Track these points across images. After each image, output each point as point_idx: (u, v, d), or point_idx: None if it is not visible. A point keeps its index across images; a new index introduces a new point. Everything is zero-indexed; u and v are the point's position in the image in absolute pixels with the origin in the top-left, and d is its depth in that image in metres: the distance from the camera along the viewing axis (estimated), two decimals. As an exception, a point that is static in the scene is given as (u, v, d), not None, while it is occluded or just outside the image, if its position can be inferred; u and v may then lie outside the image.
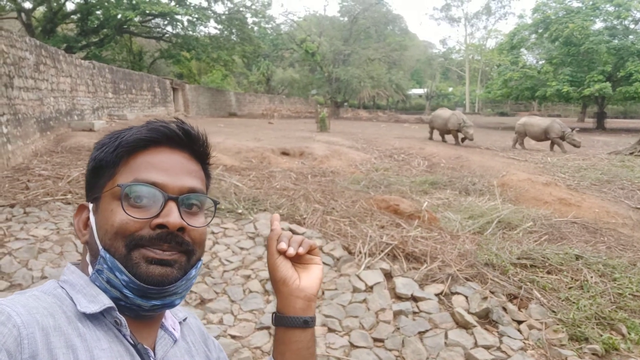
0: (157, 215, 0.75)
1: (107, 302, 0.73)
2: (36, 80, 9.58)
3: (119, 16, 22.63)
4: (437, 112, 15.10)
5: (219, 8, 28.56)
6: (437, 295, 4.01)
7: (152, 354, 0.78)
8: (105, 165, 0.79)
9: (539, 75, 30.90)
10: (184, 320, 0.91)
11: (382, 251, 4.47)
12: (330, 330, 3.55)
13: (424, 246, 4.72)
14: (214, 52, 27.94)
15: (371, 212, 5.59)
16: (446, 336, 3.56)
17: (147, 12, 23.69)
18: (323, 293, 3.98)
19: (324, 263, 4.30)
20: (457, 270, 4.32)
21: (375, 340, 3.48)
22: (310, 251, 0.91)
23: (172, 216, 0.75)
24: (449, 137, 14.69)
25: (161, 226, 0.75)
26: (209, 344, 0.94)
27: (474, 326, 3.66)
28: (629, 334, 3.70)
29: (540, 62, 33.63)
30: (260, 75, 45.20)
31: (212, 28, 30.62)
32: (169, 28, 28.83)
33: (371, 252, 4.46)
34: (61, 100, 11.23)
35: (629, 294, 4.24)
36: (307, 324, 0.88)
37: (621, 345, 3.56)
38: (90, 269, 0.78)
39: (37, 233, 4.59)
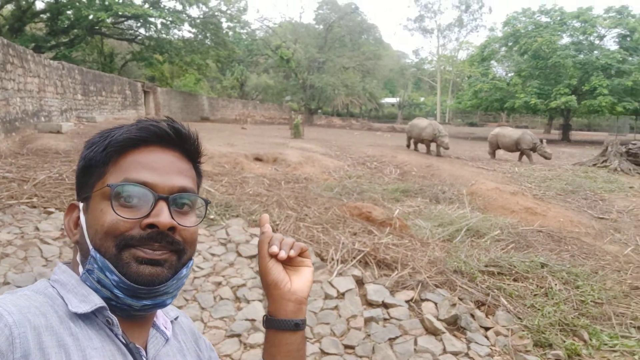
0: (148, 215, 0.75)
1: (98, 302, 0.73)
2: (2, 79, 9.31)
3: (91, 17, 22.17)
4: (414, 122, 15.11)
5: (194, 12, 28.45)
6: (407, 301, 4.06)
7: (144, 353, 0.78)
8: (95, 165, 0.79)
9: (508, 87, 31.73)
10: (176, 319, 0.91)
11: (354, 258, 4.50)
12: (301, 337, 3.55)
13: (395, 253, 4.77)
14: (187, 55, 27.66)
15: (344, 219, 5.63)
16: (416, 342, 3.61)
17: (120, 13, 23.34)
18: (295, 300, 3.98)
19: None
20: (427, 277, 4.39)
21: (346, 347, 3.50)
22: (301, 253, 0.91)
23: (163, 216, 0.75)
24: (424, 147, 14.70)
25: (152, 226, 0.74)
26: (200, 343, 0.94)
27: (443, 332, 3.72)
28: (591, 340, 3.83)
29: (510, 75, 34.55)
30: (234, 80, 44.97)
31: (186, 32, 30.31)
32: (142, 30, 28.45)
33: (343, 259, 4.49)
34: (28, 100, 10.93)
35: (591, 301, 4.39)
36: (298, 326, 0.89)
37: (583, 351, 3.68)
38: (80, 269, 0.78)
39: (0, 237, 4.45)
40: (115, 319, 0.74)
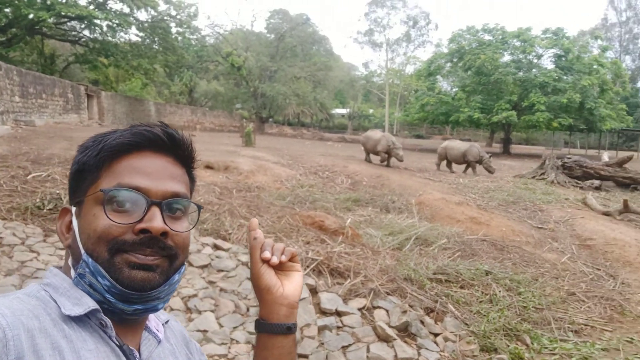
0: (140, 220, 0.75)
1: (91, 305, 0.73)
2: None
3: (31, 16, 21.16)
4: (368, 134, 15.03)
5: (142, 15, 27.63)
6: (360, 309, 4.12)
7: (137, 354, 0.78)
8: (88, 169, 0.78)
9: (453, 101, 32.96)
10: (166, 322, 0.91)
11: (307, 267, 4.52)
12: (254, 347, 3.51)
13: (347, 262, 4.83)
14: (134, 59, 26.90)
15: (297, 228, 5.64)
16: (368, 350, 3.66)
17: (63, 13, 22.42)
18: (248, 310, 3.94)
19: (249, 279, 4.28)
20: (379, 284, 4.47)
21: (300, 356, 3.50)
22: (291, 258, 0.93)
23: (155, 221, 0.75)
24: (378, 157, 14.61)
25: (144, 231, 0.74)
26: (191, 347, 0.95)
27: (395, 339, 3.80)
28: (532, 343, 4.02)
29: (454, 89, 35.85)
30: (183, 86, 44.06)
31: (133, 35, 29.48)
32: (87, 32, 27.43)
33: (297, 268, 4.49)
34: (-40, 101, 10.27)
35: (532, 307, 4.62)
36: (290, 330, 0.90)
37: (525, 354, 3.86)
38: (72, 273, 0.77)
39: None
40: (108, 321, 0.74)
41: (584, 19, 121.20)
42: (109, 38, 27.04)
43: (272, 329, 0.89)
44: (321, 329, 3.80)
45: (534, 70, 31.80)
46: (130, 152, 0.79)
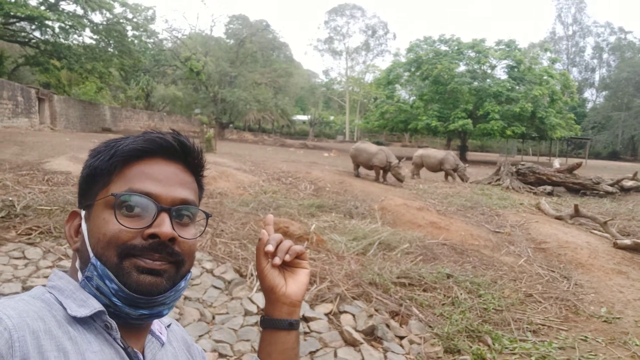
0: (150, 226, 0.76)
1: (97, 306, 0.73)
2: None
3: (-24, 15, 20.20)
4: (360, 146, 13.26)
5: (97, 17, 26.82)
6: (326, 314, 4.12)
7: (141, 357, 0.79)
8: (100, 173, 0.79)
9: (412, 109, 33.69)
10: (168, 326, 0.92)
11: (273, 273, 4.48)
12: (221, 355, 3.46)
13: (313, 267, 4.83)
14: (88, 62, 26.02)
15: (261, 234, 5.59)
16: (335, 355, 3.66)
17: (12, 13, 21.48)
18: (214, 318, 3.87)
19: (214, 287, 4.21)
20: (345, 289, 4.49)
21: (268, 362, 3.46)
22: (298, 256, 0.95)
23: (164, 227, 0.76)
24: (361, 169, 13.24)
25: (153, 236, 0.75)
26: (192, 350, 0.95)
27: (361, 343, 3.82)
28: (494, 344, 4.13)
29: (412, 98, 36.64)
30: (140, 91, 43.05)
31: (87, 37, 28.47)
32: (37, 33, 26.33)
33: (262, 274, 4.45)
34: None
35: (493, 309, 4.75)
36: (292, 326, 0.94)
37: (487, 355, 3.96)
38: (79, 275, 0.78)
39: None
40: (114, 323, 0.74)
41: (534, 32, 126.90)
42: (62, 40, 26.09)
43: (275, 324, 0.93)
44: (288, 335, 3.77)
45: (488, 80, 32.95)
46: (142, 158, 0.80)
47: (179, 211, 0.80)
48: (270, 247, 0.91)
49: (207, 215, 0.88)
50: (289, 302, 0.93)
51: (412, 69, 35.14)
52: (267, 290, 0.93)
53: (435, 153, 15.77)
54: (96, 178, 0.80)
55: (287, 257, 0.92)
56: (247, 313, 3.94)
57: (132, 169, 0.79)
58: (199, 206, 0.86)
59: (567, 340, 4.31)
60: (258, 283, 4.26)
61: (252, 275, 4.42)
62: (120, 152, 0.79)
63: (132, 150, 0.79)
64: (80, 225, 0.81)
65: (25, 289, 3.63)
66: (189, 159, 0.85)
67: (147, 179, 0.79)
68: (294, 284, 0.94)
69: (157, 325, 0.88)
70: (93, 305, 0.73)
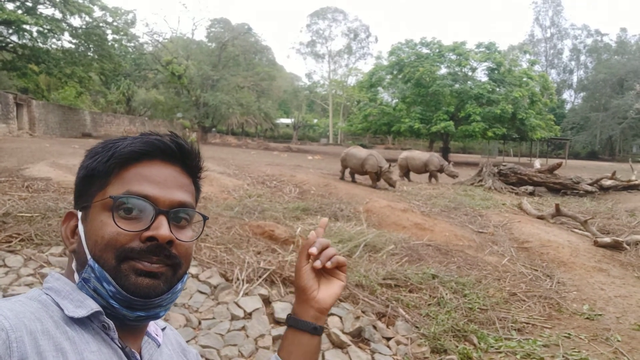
0: (148, 228, 0.76)
1: (94, 307, 0.73)
2: None
3: (-49, 18, 19.76)
4: (351, 151, 12.91)
5: (76, 21, 26.47)
6: (314, 317, 4.11)
7: (139, 357, 0.79)
8: (97, 175, 0.79)
9: (394, 112, 33.92)
10: (163, 329, 0.92)
11: (260, 277, 4.47)
12: (208, 360, 3.43)
13: (299, 270, 4.82)
14: (67, 67, 25.62)
15: (247, 238, 5.56)
16: (323, 357, 3.66)
17: (-12, 17, 21.07)
18: (200, 323, 3.84)
19: (200, 292, 4.18)
20: (332, 292, 4.49)
21: (255, 366, 3.45)
22: (338, 267, 0.96)
23: (162, 229, 0.76)
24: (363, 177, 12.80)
25: (151, 239, 0.75)
26: (187, 353, 0.95)
27: (349, 345, 3.82)
28: (479, 343, 4.17)
29: (395, 101, 36.90)
30: (120, 95, 42.48)
31: (66, 42, 28.03)
32: (15, 38, 25.83)
33: (249, 278, 4.43)
34: None
35: (478, 308, 4.80)
36: (316, 330, 0.95)
37: (473, 354, 4.00)
38: (76, 277, 0.77)
39: None
40: (111, 323, 0.74)
41: (513, 34, 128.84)
42: (40, 44, 25.64)
43: (299, 324, 0.95)
44: (276, 338, 3.76)
45: (469, 82, 33.35)
46: (140, 161, 0.80)
47: (176, 214, 0.80)
48: (314, 250, 0.93)
49: (205, 218, 0.87)
50: (317, 307, 0.94)
51: (395, 72, 35.40)
52: (300, 289, 0.95)
53: (420, 155, 15.91)
54: (93, 179, 0.80)
55: (329, 264, 0.93)
56: (233, 317, 3.91)
57: (130, 171, 0.79)
58: (196, 207, 0.86)
59: (551, 338, 4.38)
60: (244, 287, 4.26)
61: (238, 279, 4.40)
62: (118, 154, 0.79)
63: (130, 153, 0.79)
64: (76, 226, 0.80)
65: (6, 297, 3.56)
66: (187, 161, 0.85)
67: (145, 182, 0.78)
68: (326, 292, 0.95)
69: (153, 327, 0.88)
70: (90, 306, 0.73)
